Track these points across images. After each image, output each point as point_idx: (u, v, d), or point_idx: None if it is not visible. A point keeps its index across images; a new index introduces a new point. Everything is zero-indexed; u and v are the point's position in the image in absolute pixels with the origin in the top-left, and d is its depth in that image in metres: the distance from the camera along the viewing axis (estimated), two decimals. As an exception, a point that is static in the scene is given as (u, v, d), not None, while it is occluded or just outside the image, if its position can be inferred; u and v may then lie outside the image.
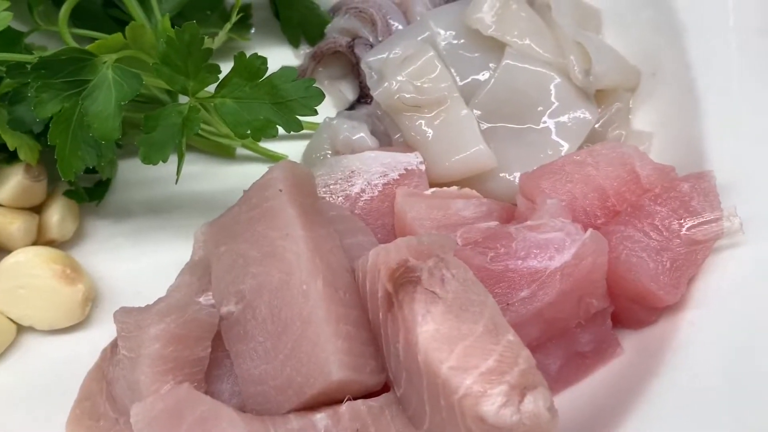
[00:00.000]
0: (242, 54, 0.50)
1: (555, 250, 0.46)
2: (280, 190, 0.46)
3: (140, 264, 0.58)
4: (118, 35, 0.53)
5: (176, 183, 0.51)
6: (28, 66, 0.51)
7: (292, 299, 0.44)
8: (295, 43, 0.69)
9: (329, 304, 0.43)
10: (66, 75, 0.50)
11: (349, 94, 0.67)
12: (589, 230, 0.46)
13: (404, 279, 0.42)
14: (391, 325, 0.42)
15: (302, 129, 0.51)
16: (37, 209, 0.59)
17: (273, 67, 0.56)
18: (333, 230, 0.49)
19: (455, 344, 0.39)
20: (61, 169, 0.50)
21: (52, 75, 0.49)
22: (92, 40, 0.58)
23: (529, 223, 0.48)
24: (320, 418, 0.41)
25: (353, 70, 0.67)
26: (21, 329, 0.56)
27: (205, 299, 0.49)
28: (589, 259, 0.46)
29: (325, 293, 0.43)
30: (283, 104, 0.50)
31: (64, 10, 0.56)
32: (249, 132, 0.50)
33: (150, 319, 0.44)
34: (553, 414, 0.39)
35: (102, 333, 0.54)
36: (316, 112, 0.51)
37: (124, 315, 0.47)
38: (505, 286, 0.45)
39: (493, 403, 0.38)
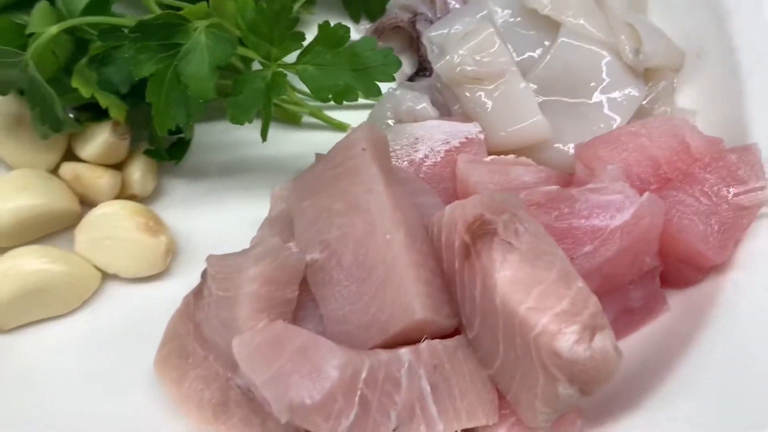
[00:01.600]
0: (327, 23, 0.54)
1: (615, 210, 0.50)
2: (364, 149, 0.50)
3: (214, 220, 0.62)
4: (203, 4, 0.56)
5: (263, 141, 0.54)
6: (123, 30, 0.55)
7: (376, 247, 0.48)
8: (356, 19, 0.72)
9: (411, 252, 0.47)
10: (161, 38, 0.53)
11: (407, 67, 0.71)
12: (647, 193, 0.50)
13: (481, 231, 0.46)
14: (468, 273, 0.46)
15: (381, 95, 0.55)
16: (118, 167, 0.63)
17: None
18: (405, 190, 0.53)
19: (531, 288, 0.43)
20: (156, 124, 0.54)
21: (147, 38, 0.53)
22: (170, 7, 0.63)
23: (590, 186, 0.51)
24: (404, 352, 0.45)
25: (412, 44, 0.71)
26: (106, 276, 0.60)
27: (286, 250, 0.53)
28: (647, 219, 0.50)
29: (407, 242, 0.48)
30: (363, 71, 0.54)
31: (151, -21, 0.60)
32: (330, 96, 0.54)
33: (248, 262, 0.48)
34: (619, 353, 0.43)
35: (180, 282, 0.58)
36: (394, 79, 0.54)
37: (220, 259, 0.51)
38: (570, 242, 0.49)
39: (567, 340, 0.42)
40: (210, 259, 0.52)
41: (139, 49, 0.52)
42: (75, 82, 0.56)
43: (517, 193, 0.54)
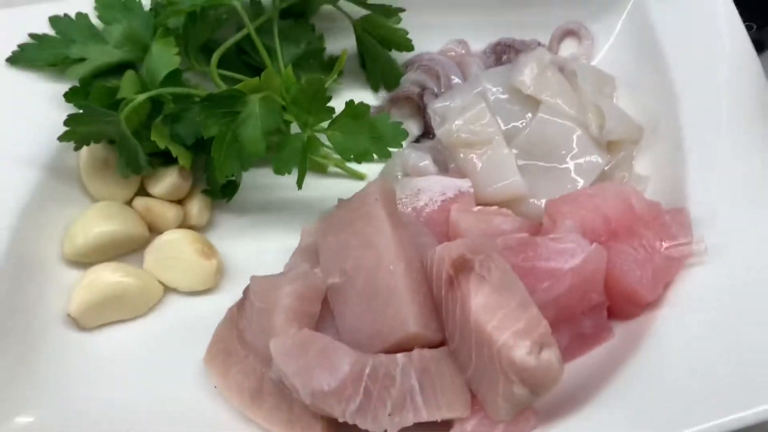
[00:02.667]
0: (352, 101, 0.69)
1: (569, 255, 0.64)
2: (376, 200, 0.65)
3: (255, 248, 0.76)
4: (256, 79, 0.72)
5: (299, 189, 0.69)
6: (192, 97, 0.71)
7: (382, 276, 0.62)
8: (375, 89, 0.87)
9: (408, 281, 0.62)
10: (224, 107, 0.68)
11: (415, 129, 0.85)
12: (594, 244, 0.64)
13: (462, 267, 0.60)
14: (451, 298, 0.60)
15: (390, 157, 0.70)
16: (180, 202, 0.78)
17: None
18: (407, 231, 0.68)
19: (497, 312, 0.57)
20: (218, 172, 0.68)
21: (214, 107, 0.68)
22: (229, 78, 0.79)
23: (551, 236, 0.66)
24: (400, 356, 0.59)
25: (419, 112, 0.86)
26: (167, 290, 0.74)
27: (312, 274, 0.68)
28: (593, 264, 0.64)
29: (405, 273, 0.62)
30: (379, 139, 0.69)
31: (216, 57, 0.75)
32: (353, 156, 0.69)
33: (284, 282, 0.63)
34: (561, 364, 0.57)
35: (227, 296, 0.72)
36: (402, 146, 0.69)
37: (260, 279, 0.65)
38: (532, 278, 0.63)
39: (521, 352, 0.56)
40: (253, 279, 0.67)
41: (207, 115, 0.68)
42: (153, 136, 0.72)
43: (496, 238, 0.69)
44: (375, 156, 0.69)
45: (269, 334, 0.62)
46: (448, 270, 0.60)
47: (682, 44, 0.81)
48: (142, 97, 0.69)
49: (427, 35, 0.88)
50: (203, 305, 0.74)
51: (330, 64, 0.87)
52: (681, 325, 0.65)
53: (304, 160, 0.69)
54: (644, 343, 0.65)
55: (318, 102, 0.69)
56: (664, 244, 0.67)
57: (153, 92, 0.70)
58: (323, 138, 0.73)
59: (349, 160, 0.69)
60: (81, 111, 0.69)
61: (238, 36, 0.76)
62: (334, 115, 0.70)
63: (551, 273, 0.64)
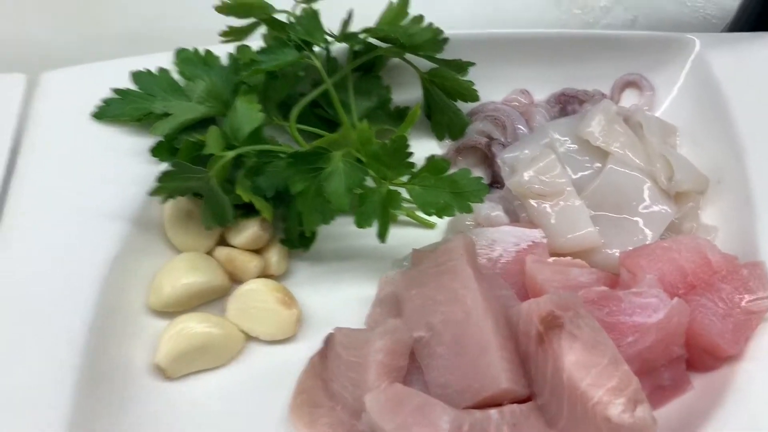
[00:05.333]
0: (433, 156, 0.71)
1: (652, 310, 0.65)
2: (461, 255, 0.67)
3: (331, 296, 0.78)
4: (336, 135, 0.74)
5: (383, 242, 0.71)
6: (280, 154, 0.74)
7: (470, 331, 0.64)
8: (440, 138, 0.89)
9: (497, 337, 0.63)
10: (309, 163, 0.71)
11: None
12: (676, 298, 0.66)
13: (552, 324, 0.62)
14: (542, 355, 0.62)
15: (472, 211, 0.71)
16: (258, 251, 0.80)
17: (420, 152, 0.77)
18: (488, 284, 0.70)
19: (590, 369, 0.59)
20: (305, 226, 0.71)
21: (300, 163, 0.71)
22: (305, 131, 0.81)
23: (633, 290, 0.67)
24: (493, 412, 0.60)
25: (485, 161, 0.88)
26: (248, 339, 0.76)
27: (395, 326, 0.69)
28: (676, 318, 0.65)
29: (494, 329, 0.63)
30: (461, 194, 0.71)
31: (295, 113, 0.78)
32: (434, 211, 0.71)
33: (375, 337, 0.64)
34: (654, 420, 0.58)
35: (306, 345, 0.73)
36: (483, 200, 0.71)
37: (348, 331, 0.67)
38: (617, 333, 0.64)
39: (616, 409, 0.57)
40: (339, 330, 0.68)
41: (294, 171, 0.70)
42: (238, 190, 0.74)
43: (576, 290, 0.70)
44: (456, 211, 0.71)
45: (360, 387, 0.63)
46: (537, 327, 0.62)
47: (747, 97, 0.82)
48: (231, 154, 0.71)
49: (490, 85, 0.90)
50: (284, 354, 0.75)
51: (396, 114, 0.89)
52: (764, 378, 0.66)
53: (386, 214, 0.71)
54: (729, 397, 0.66)
55: (398, 158, 0.71)
56: (744, 298, 0.68)
57: (241, 149, 0.72)
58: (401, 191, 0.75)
59: (431, 215, 0.71)
60: (171, 167, 0.71)
61: (316, 92, 0.79)
62: (414, 170, 0.72)
63: (636, 328, 0.65)
